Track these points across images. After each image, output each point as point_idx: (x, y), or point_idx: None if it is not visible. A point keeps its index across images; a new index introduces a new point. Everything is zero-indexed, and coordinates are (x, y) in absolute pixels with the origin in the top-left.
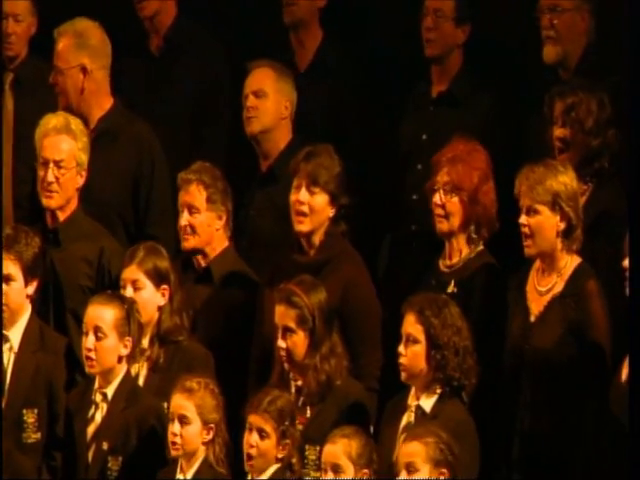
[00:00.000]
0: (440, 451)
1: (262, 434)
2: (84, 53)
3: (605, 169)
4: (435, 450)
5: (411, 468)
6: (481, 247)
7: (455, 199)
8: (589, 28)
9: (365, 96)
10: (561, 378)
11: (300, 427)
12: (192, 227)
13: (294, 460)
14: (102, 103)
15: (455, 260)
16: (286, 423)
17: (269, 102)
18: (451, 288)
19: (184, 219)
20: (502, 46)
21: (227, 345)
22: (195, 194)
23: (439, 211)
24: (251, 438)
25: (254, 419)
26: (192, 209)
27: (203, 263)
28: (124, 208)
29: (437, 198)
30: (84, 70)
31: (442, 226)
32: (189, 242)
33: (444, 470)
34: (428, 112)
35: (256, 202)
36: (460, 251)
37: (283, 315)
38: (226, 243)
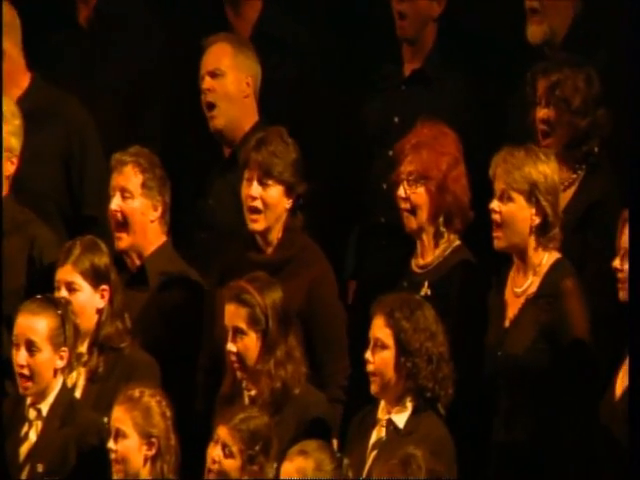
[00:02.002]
0: None
1: (226, 450)
2: None
3: (595, 154)
4: None
5: None
6: (457, 242)
7: (421, 189)
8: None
9: (319, 72)
10: (535, 386)
11: None
12: (123, 214)
13: None
14: (19, 82)
15: (429, 259)
16: (256, 448)
17: (227, 81)
18: (424, 290)
19: (115, 203)
20: (480, 21)
21: (167, 354)
22: (130, 176)
23: (405, 205)
24: (214, 452)
25: (222, 431)
26: (125, 193)
27: (137, 261)
28: (58, 193)
29: (401, 191)
30: None
31: (409, 222)
32: (123, 242)
33: None
34: (399, 92)
35: (216, 191)
36: (433, 248)
37: (233, 315)
38: (163, 239)
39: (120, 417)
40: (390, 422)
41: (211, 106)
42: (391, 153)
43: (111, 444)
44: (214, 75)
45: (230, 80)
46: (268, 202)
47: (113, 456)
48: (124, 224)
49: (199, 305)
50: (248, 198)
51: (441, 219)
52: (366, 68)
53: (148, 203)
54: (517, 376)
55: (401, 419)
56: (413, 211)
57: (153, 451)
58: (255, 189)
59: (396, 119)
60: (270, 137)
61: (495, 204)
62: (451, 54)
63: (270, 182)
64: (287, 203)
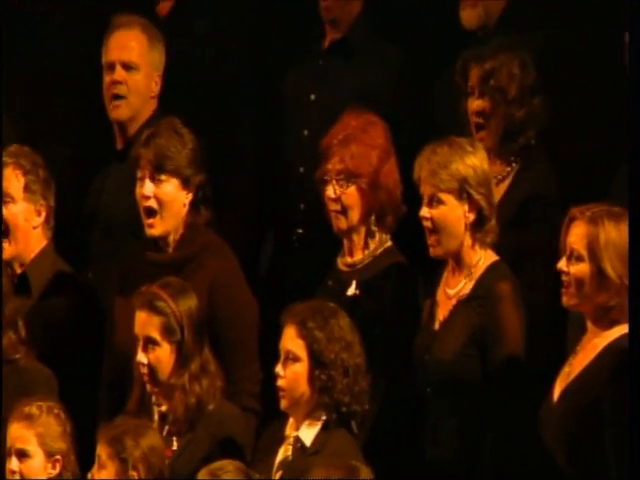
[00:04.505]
0: None
1: (100, 462)
2: None
3: (532, 145)
4: None
5: None
6: (389, 243)
7: (352, 189)
8: None
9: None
10: (464, 396)
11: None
12: (4, 221)
13: None
14: None
15: (358, 257)
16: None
17: (140, 77)
18: (352, 290)
19: None
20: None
21: (56, 366)
22: (11, 179)
23: (334, 206)
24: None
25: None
26: (6, 197)
27: (18, 269)
28: None
29: (330, 191)
30: None
31: (340, 223)
32: (5, 252)
33: None
34: (317, 66)
35: (109, 185)
36: (363, 247)
37: (144, 323)
38: (44, 242)
39: (22, 435)
40: (297, 439)
41: (119, 97)
42: (306, 133)
43: (13, 465)
44: (128, 67)
45: (142, 76)
46: (163, 199)
47: (16, 478)
48: (5, 231)
49: (89, 310)
50: (142, 198)
51: (373, 218)
52: (287, 40)
53: (31, 208)
54: (444, 385)
55: (308, 436)
56: (344, 212)
57: (57, 469)
58: (148, 187)
59: (313, 96)
60: (160, 130)
61: (425, 211)
62: (379, 25)
63: (163, 177)
64: (186, 198)
